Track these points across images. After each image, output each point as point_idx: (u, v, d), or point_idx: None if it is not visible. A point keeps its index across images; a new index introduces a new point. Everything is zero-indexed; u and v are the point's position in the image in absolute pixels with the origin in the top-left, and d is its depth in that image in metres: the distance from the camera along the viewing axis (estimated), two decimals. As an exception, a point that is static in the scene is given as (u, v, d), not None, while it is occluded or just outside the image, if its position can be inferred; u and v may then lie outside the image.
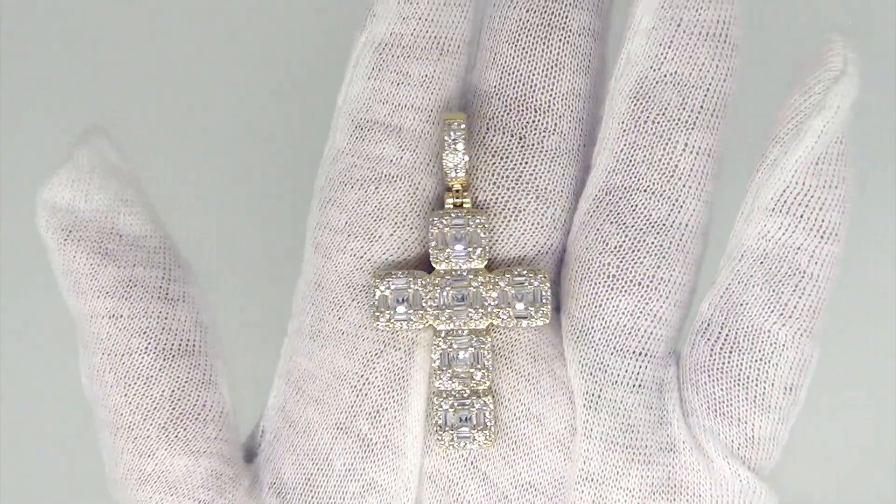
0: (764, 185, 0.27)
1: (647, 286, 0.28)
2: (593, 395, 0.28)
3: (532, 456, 0.28)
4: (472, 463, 0.29)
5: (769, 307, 0.27)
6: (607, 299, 0.28)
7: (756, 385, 0.27)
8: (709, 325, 0.28)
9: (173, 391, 0.28)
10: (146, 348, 0.28)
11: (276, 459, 0.30)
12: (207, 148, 0.44)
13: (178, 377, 0.29)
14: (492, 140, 0.29)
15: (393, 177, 0.28)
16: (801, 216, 0.27)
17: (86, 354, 0.29)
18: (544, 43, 0.28)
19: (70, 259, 0.28)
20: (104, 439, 0.29)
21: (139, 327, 0.28)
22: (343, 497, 0.29)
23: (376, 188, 0.28)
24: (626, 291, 0.28)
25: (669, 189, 0.28)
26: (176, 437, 0.28)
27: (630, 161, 0.28)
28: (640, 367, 0.28)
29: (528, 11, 0.28)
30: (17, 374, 0.43)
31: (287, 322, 0.31)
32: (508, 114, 0.28)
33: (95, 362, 0.29)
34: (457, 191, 0.28)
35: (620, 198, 0.28)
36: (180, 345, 0.29)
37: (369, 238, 0.28)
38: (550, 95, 0.28)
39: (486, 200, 0.28)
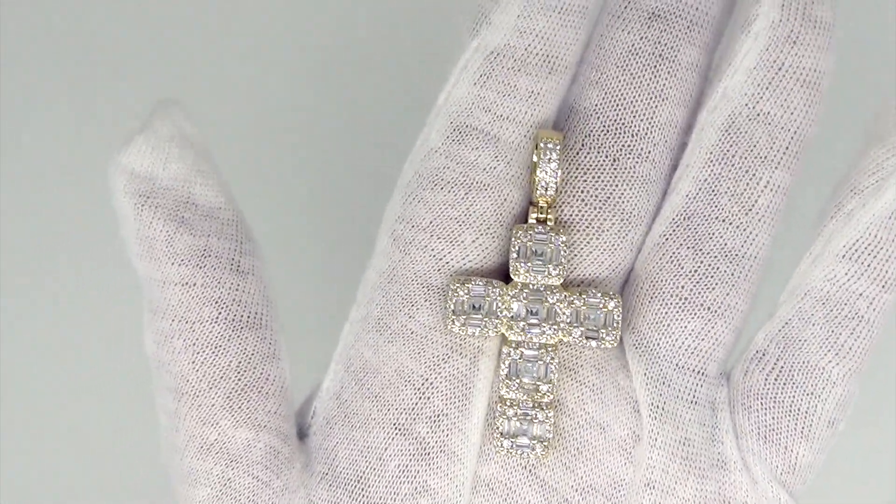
0: (838, 233, 0.29)
1: (715, 311, 0.29)
2: (658, 406, 0.29)
3: (594, 461, 0.29)
4: (530, 470, 0.29)
5: (826, 346, 0.29)
6: (676, 320, 0.29)
7: (805, 417, 0.29)
8: (764, 354, 0.30)
9: (240, 362, 0.29)
10: (217, 318, 0.29)
11: (328, 449, 0.30)
12: (236, 143, 0.43)
13: (246, 349, 0.29)
14: (585, 158, 0.29)
15: (484, 185, 0.29)
16: (869, 265, 0.29)
17: (154, 319, 0.29)
18: (653, 72, 0.29)
19: (146, 225, 0.28)
20: (166, 404, 0.29)
21: (211, 297, 0.28)
22: (395, 498, 0.29)
23: (466, 194, 0.29)
24: (695, 315, 0.29)
25: (747, 222, 0.29)
26: (240, 407, 0.29)
27: (713, 191, 0.29)
28: (697, 384, 0.29)
29: (641, 39, 0.29)
30: (17, 374, 0.43)
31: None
32: (606, 135, 0.29)
33: (165, 327, 0.29)
34: (542, 207, 0.29)
35: (699, 225, 0.29)
36: (249, 317, 0.29)
37: (452, 241, 0.29)
38: (650, 123, 0.29)
39: (571, 216, 0.29)
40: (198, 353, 0.28)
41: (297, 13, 0.44)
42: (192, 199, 0.29)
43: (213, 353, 0.29)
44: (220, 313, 0.29)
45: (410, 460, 0.29)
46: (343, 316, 0.31)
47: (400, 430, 0.29)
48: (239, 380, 0.29)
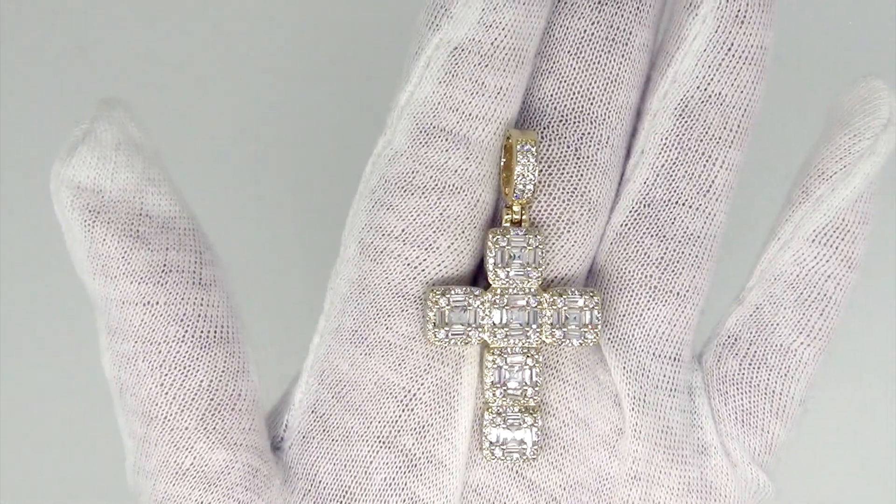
0: (807, 217, 0.29)
1: (684, 296, 0.29)
2: (639, 398, 0.29)
3: (580, 457, 0.29)
4: (517, 472, 0.29)
5: (798, 328, 0.30)
6: (648, 309, 0.29)
7: (780, 398, 0.30)
8: (736, 340, 0.30)
9: (211, 381, 0.27)
10: (183, 336, 0.27)
11: (308, 464, 0.29)
12: (222, 136, 0.43)
13: (216, 366, 0.28)
14: (547, 150, 0.28)
15: (456, 188, 0.28)
16: (837, 248, 0.29)
17: (114, 341, 0.27)
18: (607, 56, 0.28)
19: (98, 242, 0.27)
20: (133, 429, 0.28)
21: (175, 314, 0.27)
22: None
23: (438, 198, 0.28)
24: (665, 301, 0.29)
25: (706, 203, 0.29)
26: (214, 428, 0.27)
27: (671, 176, 0.29)
28: (675, 371, 0.30)
29: (592, 24, 0.28)
30: (17, 374, 0.42)
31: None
32: (564, 124, 0.28)
33: (127, 349, 0.27)
34: (517, 209, 0.28)
35: (660, 211, 0.29)
36: (216, 332, 0.28)
37: (427, 248, 0.28)
38: (607, 108, 0.29)
39: (540, 210, 0.29)
40: (165, 374, 0.27)
41: (278, 16, 0.43)
42: (145, 210, 0.27)
43: (182, 373, 0.27)
44: (185, 331, 0.27)
45: (397, 473, 0.29)
46: (306, 322, 0.30)
47: (384, 443, 0.29)
48: (211, 399, 0.27)
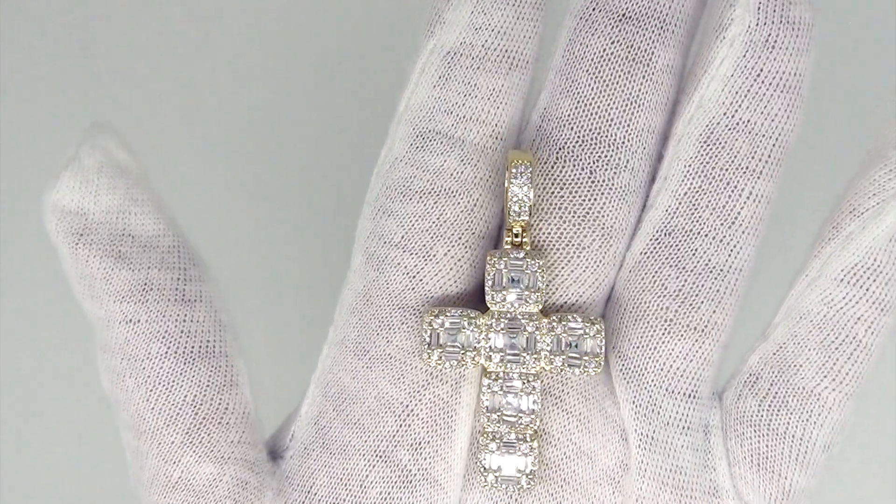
0: (836, 256, 0.27)
1: (703, 331, 0.28)
2: (647, 435, 0.28)
3: (581, 491, 0.28)
4: (516, 500, 0.29)
5: (822, 371, 0.28)
6: (663, 343, 0.28)
7: (800, 444, 0.28)
8: (758, 379, 0.28)
9: (195, 396, 0.28)
10: (166, 353, 0.28)
11: (306, 476, 0.29)
12: (222, 147, 0.43)
13: (200, 381, 0.28)
14: (560, 172, 0.28)
15: (452, 191, 0.27)
16: (868, 289, 0.27)
17: (105, 358, 0.28)
18: (627, 77, 0.27)
19: (83, 264, 0.28)
20: (128, 442, 0.29)
21: (157, 332, 0.28)
22: None
23: (435, 202, 0.28)
24: (682, 336, 0.28)
25: (730, 235, 0.28)
26: (200, 442, 0.28)
27: (693, 205, 0.28)
28: (690, 408, 0.28)
29: (612, 43, 0.27)
30: (16, 374, 0.43)
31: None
32: (581, 146, 0.28)
33: (116, 366, 0.28)
34: (517, 231, 0.28)
35: (680, 241, 0.28)
36: (200, 347, 0.28)
37: (424, 256, 0.28)
38: (626, 131, 0.27)
39: (549, 234, 0.28)
40: (150, 390, 0.28)
41: (281, 18, 0.43)
42: (128, 230, 0.28)
43: (167, 389, 0.28)
44: (168, 348, 0.28)
45: (392, 488, 0.29)
46: (306, 333, 0.31)
47: (381, 457, 0.29)
48: (196, 414, 0.28)
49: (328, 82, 0.43)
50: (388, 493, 0.29)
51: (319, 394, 0.29)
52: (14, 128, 0.43)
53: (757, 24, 0.26)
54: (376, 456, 0.29)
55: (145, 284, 0.28)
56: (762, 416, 0.28)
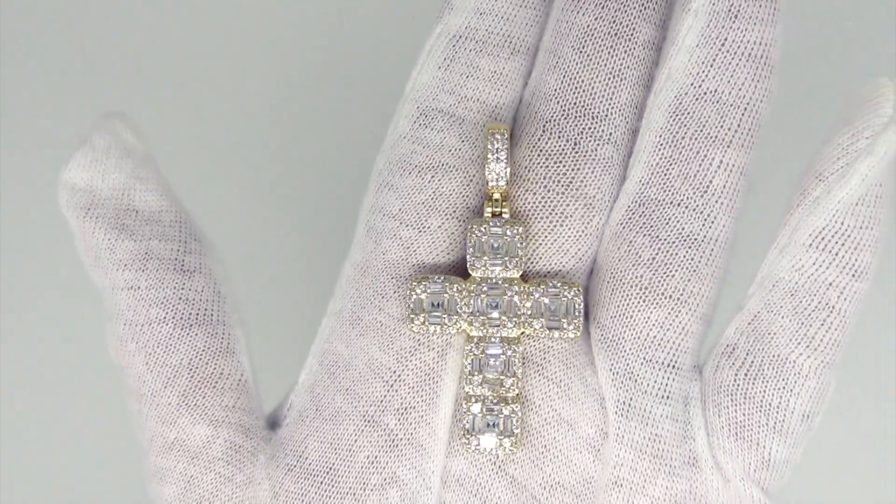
0: (804, 222, 0.28)
1: (678, 299, 0.28)
2: (624, 403, 0.29)
3: (562, 458, 0.29)
4: (499, 466, 0.29)
5: (796, 338, 0.28)
6: (638, 311, 0.28)
7: (777, 412, 0.28)
8: (734, 349, 0.29)
9: (191, 359, 0.29)
10: (164, 318, 0.29)
11: (299, 441, 0.30)
12: (222, 133, 0.44)
13: (196, 346, 0.29)
14: (546, 143, 0.29)
15: (450, 166, 0.29)
16: (837, 254, 0.28)
17: (110, 325, 0.30)
18: (609, 52, 0.29)
19: (90, 235, 0.29)
20: (132, 406, 0.30)
21: (157, 297, 0.29)
22: (363, 488, 0.29)
23: (433, 176, 0.29)
24: (657, 304, 0.28)
25: (703, 204, 0.28)
26: (195, 404, 0.29)
27: (665, 175, 0.28)
28: (668, 378, 0.29)
29: (596, 19, 0.29)
30: (16, 375, 0.44)
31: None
32: (566, 118, 0.29)
33: (119, 332, 0.30)
34: (496, 200, 0.29)
35: (654, 210, 0.28)
36: (198, 314, 0.30)
37: (419, 228, 0.29)
38: (609, 104, 0.29)
39: (534, 203, 0.29)
40: (150, 353, 0.29)
41: (280, 16, 0.44)
42: (132, 205, 0.30)
43: (165, 352, 0.29)
44: (167, 313, 0.29)
45: (380, 451, 0.29)
46: (306, 312, 0.32)
47: (370, 421, 0.29)
48: (192, 377, 0.29)
49: (326, 72, 0.44)
50: (376, 457, 0.29)
51: (316, 363, 0.31)
52: (14, 127, 0.44)
53: None
54: (365, 420, 0.30)
55: (146, 254, 0.29)
56: (738, 385, 0.29)
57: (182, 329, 0.29)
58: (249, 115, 0.44)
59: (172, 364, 0.29)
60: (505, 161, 0.28)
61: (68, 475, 0.43)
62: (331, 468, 0.30)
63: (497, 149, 0.28)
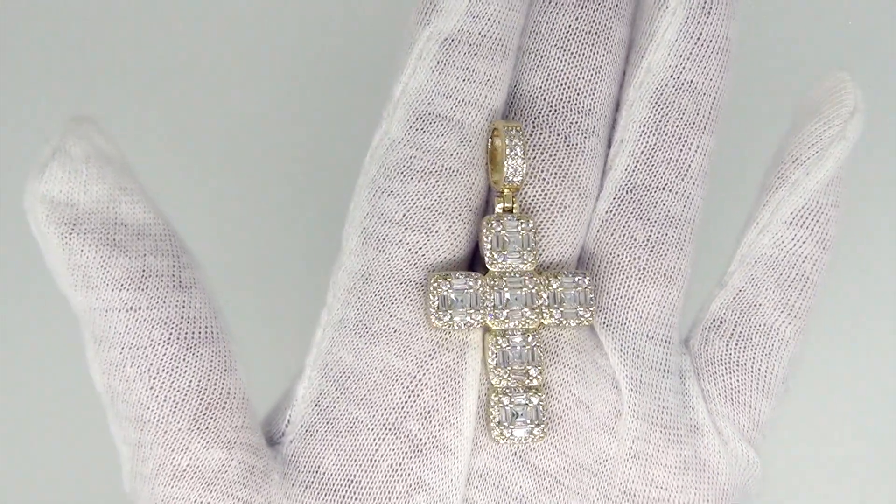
0: (785, 202, 0.31)
1: (671, 277, 0.31)
2: (636, 379, 0.30)
3: (581, 439, 0.30)
4: (520, 456, 0.30)
5: (779, 307, 0.31)
6: (639, 291, 0.30)
7: (765, 376, 0.31)
8: (721, 322, 0.31)
9: (199, 381, 0.28)
10: (168, 339, 0.27)
11: (311, 457, 0.29)
12: (200, 140, 0.43)
13: (203, 366, 0.28)
14: (539, 139, 0.30)
15: (453, 170, 0.29)
16: (812, 230, 0.31)
17: (101, 350, 0.28)
18: (591, 49, 0.30)
19: (77, 254, 0.27)
20: (127, 435, 0.28)
21: (159, 318, 0.27)
22: (389, 496, 0.29)
23: (437, 181, 0.29)
24: (654, 283, 0.30)
25: (684, 186, 0.31)
26: (207, 427, 0.28)
27: (650, 161, 0.30)
28: (666, 353, 0.31)
29: (577, 19, 0.30)
30: (17, 374, 0.42)
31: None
32: (554, 114, 0.30)
33: (114, 357, 0.27)
34: (508, 195, 0.29)
35: (642, 195, 0.30)
36: (200, 333, 0.28)
37: (426, 232, 0.29)
38: (592, 99, 0.30)
39: (534, 196, 0.30)
40: (154, 378, 0.27)
41: (276, 16, 0.44)
42: (119, 219, 0.27)
43: (171, 375, 0.27)
44: (171, 334, 0.27)
45: (403, 458, 0.29)
46: (302, 319, 0.31)
47: (390, 429, 0.29)
48: (202, 399, 0.28)
49: (318, 77, 0.44)
50: (399, 464, 0.29)
51: (318, 376, 0.30)
52: (13, 128, 0.41)
53: None
54: (385, 428, 0.29)
55: (143, 271, 0.27)
56: (730, 354, 0.31)
57: (188, 349, 0.28)
58: (242, 118, 0.43)
59: (180, 387, 0.27)
60: (522, 156, 0.29)
61: (68, 475, 0.41)
62: (352, 480, 0.29)
63: (514, 145, 0.29)
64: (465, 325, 0.29)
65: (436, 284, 0.29)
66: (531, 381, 0.29)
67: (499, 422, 0.29)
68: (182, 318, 0.28)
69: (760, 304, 0.31)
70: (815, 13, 0.46)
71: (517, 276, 0.29)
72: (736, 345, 0.31)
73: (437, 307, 0.29)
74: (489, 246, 0.29)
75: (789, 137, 0.32)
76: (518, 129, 0.29)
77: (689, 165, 0.31)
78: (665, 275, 0.30)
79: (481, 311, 0.29)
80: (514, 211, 0.30)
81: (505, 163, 0.29)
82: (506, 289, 0.29)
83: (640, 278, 0.30)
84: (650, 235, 0.30)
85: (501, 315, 0.29)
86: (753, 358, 0.31)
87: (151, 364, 0.27)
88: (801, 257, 0.31)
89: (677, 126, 0.30)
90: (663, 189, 0.30)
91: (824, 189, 0.31)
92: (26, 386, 0.42)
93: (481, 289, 0.29)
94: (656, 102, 0.30)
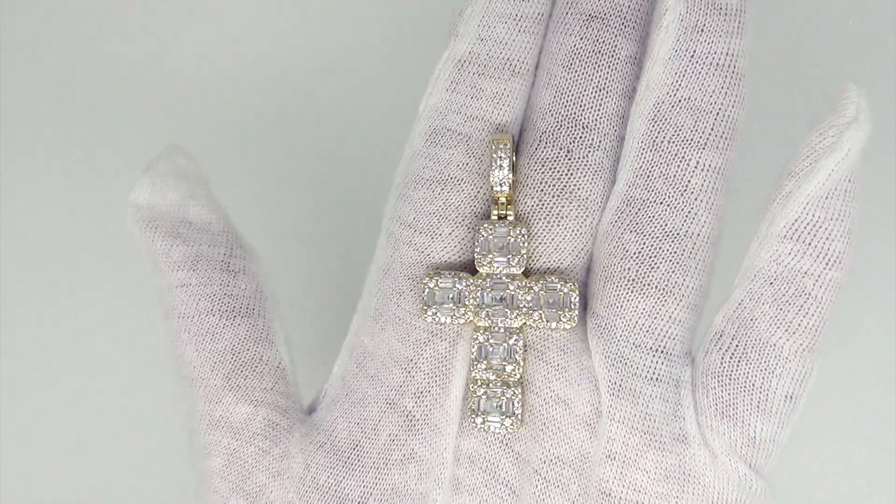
0: (778, 215, 0.30)
1: (664, 290, 0.31)
2: (615, 383, 0.31)
3: (560, 434, 0.32)
4: (506, 444, 0.32)
5: (776, 323, 0.30)
6: (627, 301, 0.31)
7: (760, 392, 0.30)
8: (721, 335, 0.31)
9: (234, 346, 0.33)
10: (211, 309, 0.33)
11: (330, 422, 0.34)
12: (200, 139, 0.45)
13: (238, 334, 0.33)
14: (542, 152, 0.32)
15: (457, 179, 0.32)
16: (810, 244, 0.30)
17: (167, 322, 0.34)
18: (594, 68, 0.31)
19: (150, 243, 0.34)
20: (185, 392, 0.34)
21: (205, 292, 0.33)
22: (386, 463, 0.33)
23: (442, 189, 0.32)
24: (644, 294, 0.31)
25: (683, 202, 0.31)
26: (238, 385, 0.33)
27: (648, 176, 0.31)
28: (657, 362, 0.31)
29: (581, 39, 0.31)
30: (17, 375, 0.45)
31: (343, 300, 0.35)
32: (559, 129, 0.32)
33: (174, 326, 0.34)
34: (502, 203, 0.32)
35: (639, 209, 0.31)
36: (240, 307, 0.33)
37: (432, 235, 0.32)
38: (597, 115, 0.31)
39: (532, 207, 0.32)
40: (199, 341, 0.33)
41: (281, 17, 0.45)
42: (186, 218, 0.34)
43: (211, 339, 0.33)
44: (213, 305, 0.33)
45: (400, 431, 0.33)
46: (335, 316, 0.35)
47: (391, 404, 0.33)
48: (234, 361, 0.33)
49: (318, 76, 0.45)
50: (396, 436, 0.33)
51: (347, 355, 0.34)
52: (14, 128, 0.45)
53: (687, 11, 0.30)
54: (387, 403, 0.33)
55: (197, 256, 0.33)
56: (725, 367, 0.31)
57: (227, 319, 0.33)
58: (251, 118, 0.45)
59: (218, 349, 0.33)
60: (507, 168, 0.31)
61: (68, 475, 0.45)
62: (357, 445, 0.33)
63: (500, 157, 0.31)
64: (450, 320, 0.32)
65: (425, 281, 0.32)
66: (508, 376, 0.31)
67: (473, 410, 0.32)
68: (225, 294, 0.33)
69: (757, 319, 0.31)
70: (815, 14, 0.41)
71: (503, 278, 0.32)
72: (731, 358, 0.31)
73: (425, 302, 0.32)
74: (478, 249, 0.32)
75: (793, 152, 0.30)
76: (506, 140, 0.31)
77: (689, 181, 0.31)
78: (657, 287, 0.31)
79: (465, 308, 0.32)
80: (509, 218, 0.32)
81: (491, 174, 0.31)
82: (489, 289, 0.32)
83: (629, 288, 0.31)
84: (642, 248, 0.31)
85: (483, 313, 0.32)
86: (748, 373, 0.31)
87: (198, 330, 0.33)
88: (800, 273, 0.30)
89: (673, 142, 0.31)
90: (661, 204, 0.31)
91: (820, 202, 0.30)
92: (26, 386, 0.45)
93: (466, 288, 0.32)
94: (653, 119, 0.31)
